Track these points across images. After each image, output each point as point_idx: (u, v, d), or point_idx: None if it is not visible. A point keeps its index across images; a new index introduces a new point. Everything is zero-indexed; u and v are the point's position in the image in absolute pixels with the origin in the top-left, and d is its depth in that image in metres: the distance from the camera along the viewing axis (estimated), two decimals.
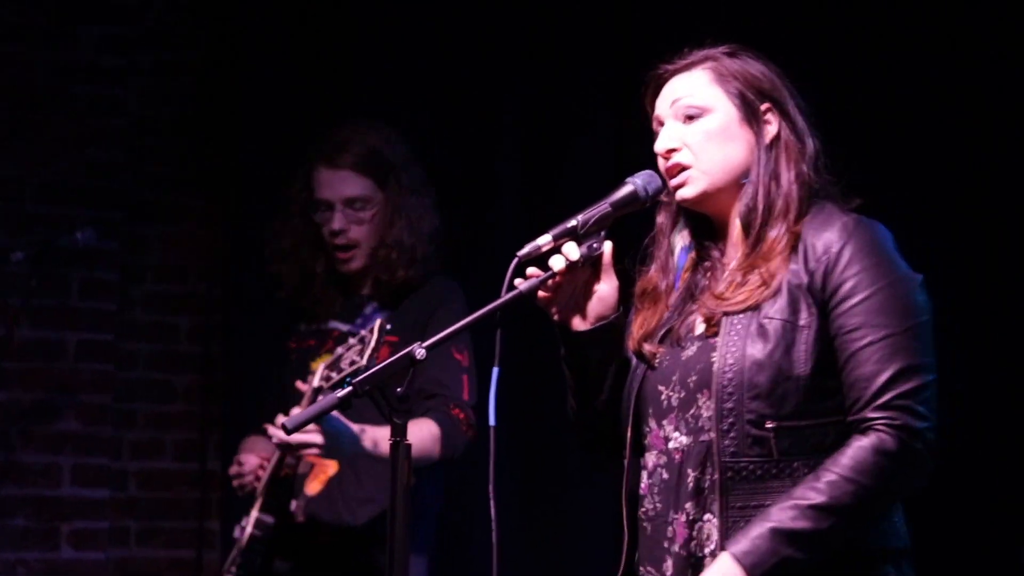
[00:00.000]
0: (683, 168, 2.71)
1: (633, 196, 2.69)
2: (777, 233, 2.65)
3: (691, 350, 2.67)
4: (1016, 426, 4.34)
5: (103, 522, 5.17)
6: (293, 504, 4.00)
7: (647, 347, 2.72)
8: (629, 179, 2.70)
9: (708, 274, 2.74)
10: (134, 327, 5.28)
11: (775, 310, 2.61)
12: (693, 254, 2.78)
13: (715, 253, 2.76)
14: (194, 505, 5.26)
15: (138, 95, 5.30)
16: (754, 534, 2.52)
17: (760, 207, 2.67)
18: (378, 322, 3.72)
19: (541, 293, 2.68)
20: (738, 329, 2.61)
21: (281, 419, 3.76)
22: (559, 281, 2.68)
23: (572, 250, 2.65)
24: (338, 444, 3.77)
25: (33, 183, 5.15)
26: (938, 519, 4.16)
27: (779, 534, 2.50)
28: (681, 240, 2.80)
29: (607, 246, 2.68)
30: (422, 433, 3.82)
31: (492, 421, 2.54)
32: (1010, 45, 4.35)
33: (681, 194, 2.72)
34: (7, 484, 5.08)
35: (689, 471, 2.63)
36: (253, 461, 4.06)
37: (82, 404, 5.16)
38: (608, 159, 4.85)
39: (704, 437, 2.62)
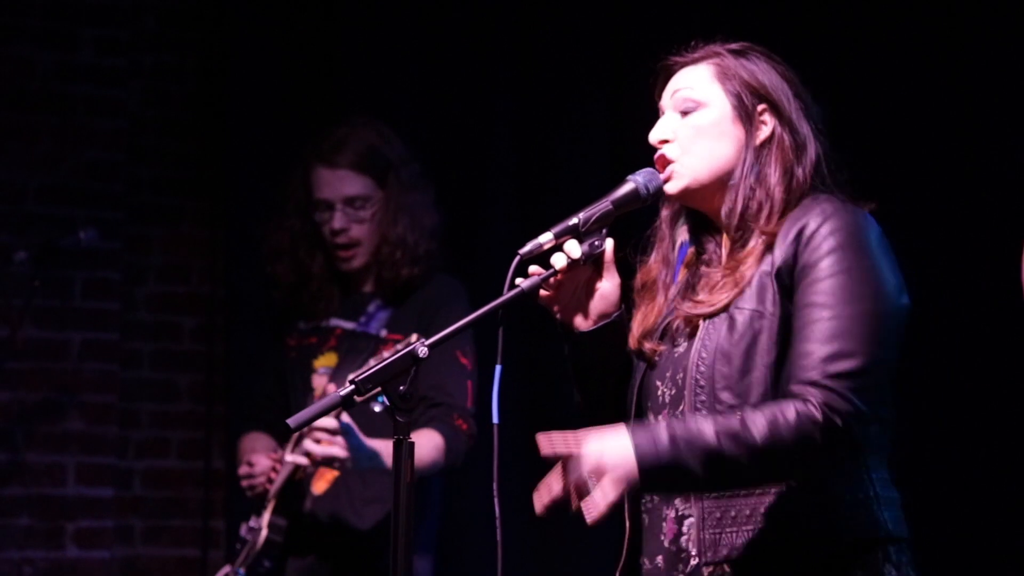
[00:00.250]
0: (668, 162, 2.72)
1: (634, 194, 2.69)
2: (755, 240, 2.66)
3: (682, 347, 2.68)
4: (1017, 421, 4.35)
5: (108, 521, 5.17)
6: (304, 505, 4.00)
7: (647, 345, 2.73)
8: (630, 177, 2.70)
9: (702, 270, 2.75)
10: (138, 327, 5.29)
11: (743, 301, 2.62)
12: (692, 249, 2.78)
13: (710, 249, 2.77)
14: (199, 504, 5.26)
15: (138, 96, 5.30)
16: (663, 432, 2.50)
17: (739, 208, 2.67)
18: (414, 336, 3.73)
19: (543, 291, 2.68)
20: (716, 325, 2.63)
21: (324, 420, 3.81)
22: (561, 279, 2.68)
23: (574, 248, 2.65)
24: (356, 458, 3.80)
25: (34, 184, 5.15)
26: (939, 511, 4.17)
27: (688, 442, 2.48)
28: (682, 234, 2.81)
29: (609, 244, 2.69)
30: (426, 444, 3.82)
31: (495, 419, 2.54)
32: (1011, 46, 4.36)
33: (667, 189, 2.73)
34: (12, 484, 5.09)
35: None
36: (264, 463, 4.04)
37: (86, 404, 5.17)
38: (602, 154, 4.86)
39: None
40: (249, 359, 4.80)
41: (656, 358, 2.72)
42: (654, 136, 2.74)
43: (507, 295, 2.58)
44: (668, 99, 2.76)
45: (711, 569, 2.61)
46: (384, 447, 3.80)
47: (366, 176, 4.08)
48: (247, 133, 5.15)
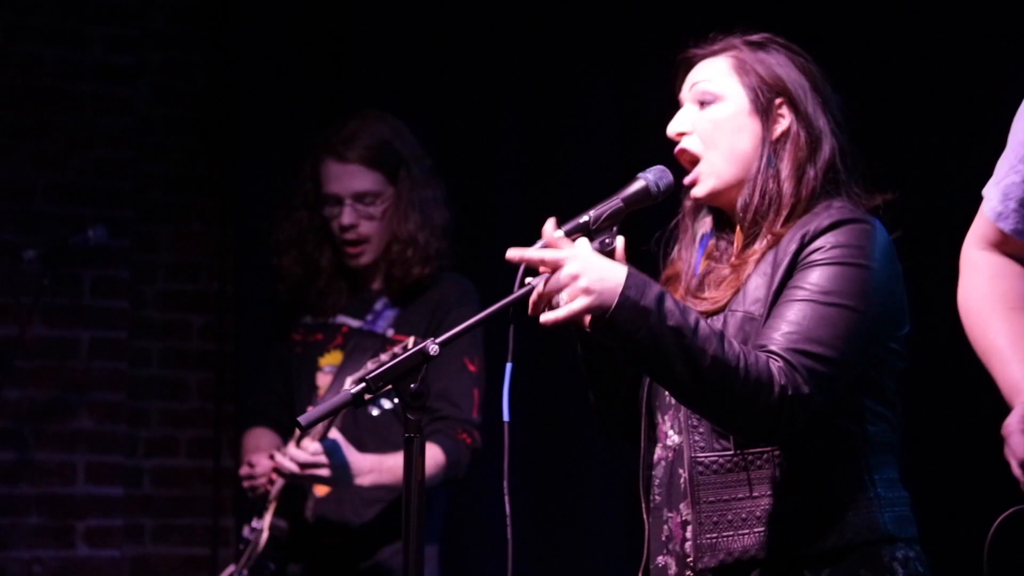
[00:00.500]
0: (692, 157, 2.71)
1: (645, 192, 2.68)
2: (762, 241, 2.65)
3: None
4: None
5: (118, 520, 5.17)
6: (307, 506, 3.98)
7: None
8: (640, 175, 2.69)
9: (712, 265, 2.75)
10: (147, 325, 5.28)
11: (737, 303, 2.63)
12: (713, 241, 2.78)
13: (723, 245, 2.77)
14: (209, 502, 5.26)
15: (147, 94, 5.30)
16: (657, 289, 2.49)
17: (753, 203, 2.67)
18: (411, 339, 3.74)
19: None
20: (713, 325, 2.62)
21: (292, 449, 3.80)
22: None
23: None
24: (338, 478, 3.80)
25: (43, 182, 5.15)
26: (951, 509, 4.15)
27: (671, 310, 2.46)
28: (704, 226, 2.80)
29: (619, 241, 2.68)
30: (427, 459, 3.78)
31: (506, 417, 2.54)
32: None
33: (694, 193, 2.74)
34: (21, 483, 5.09)
35: (680, 471, 2.65)
36: (265, 463, 4.00)
37: (95, 402, 5.16)
38: (612, 152, 4.85)
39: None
40: (256, 355, 4.80)
41: None
42: (672, 129, 2.74)
43: (517, 293, 2.57)
44: (687, 92, 2.76)
45: (711, 574, 2.61)
46: (375, 463, 3.82)
47: (377, 171, 4.04)
48: (255, 131, 5.15)
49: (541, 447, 4.89)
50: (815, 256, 2.58)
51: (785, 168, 2.68)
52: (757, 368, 2.47)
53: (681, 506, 2.65)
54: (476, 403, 3.96)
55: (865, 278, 2.57)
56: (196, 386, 5.32)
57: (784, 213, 2.66)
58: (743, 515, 2.60)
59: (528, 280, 2.59)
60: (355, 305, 4.11)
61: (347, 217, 4.03)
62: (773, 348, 2.51)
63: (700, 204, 2.79)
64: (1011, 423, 2.58)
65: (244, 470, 4.06)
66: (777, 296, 2.59)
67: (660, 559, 2.71)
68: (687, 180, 2.72)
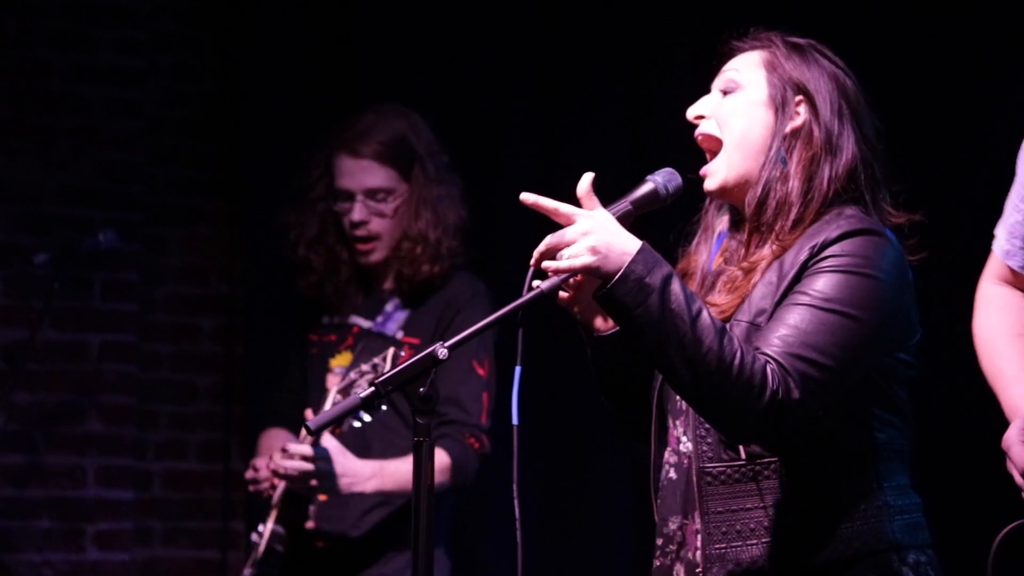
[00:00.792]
0: (708, 141, 2.72)
1: (654, 194, 2.67)
2: (768, 248, 2.64)
3: None
4: None
5: (128, 523, 5.18)
6: (310, 510, 3.93)
7: None
8: (649, 177, 2.69)
9: (723, 266, 2.74)
10: (156, 328, 5.29)
11: (742, 312, 2.62)
12: (727, 240, 2.77)
13: (734, 246, 2.76)
14: (218, 506, 5.26)
15: (156, 97, 5.31)
16: (666, 269, 2.49)
17: (758, 196, 2.66)
18: (390, 351, 3.70)
19: (562, 293, 2.67)
20: None
21: (287, 447, 3.77)
22: (581, 280, 2.67)
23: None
24: (326, 486, 3.76)
25: (52, 185, 5.16)
26: (964, 515, 4.14)
27: (676, 294, 2.46)
28: (722, 223, 2.80)
29: None
30: (434, 465, 3.75)
31: (515, 420, 2.53)
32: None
33: (705, 187, 2.73)
34: (32, 485, 5.10)
35: (694, 478, 2.65)
36: (269, 466, 3.93)
37: (105, 405, 5.17)
38: (621, 154, 4.85)
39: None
40: (270, 357, 4.79)
41: None
42: (691, 111, 2.76)
43: (526, 297, 2.56)
44: (717, 80, 2.77)
45: None
46: (376, 469, 3.78)
47: (390, 168, 3.98)
48: (264, 134, 5.15)
49: (550, 451, 4.88)
50: (822, 264, 2.57)
51: (794, 165, 2.67)
52: (752, 368, 2.46)
53: (695, 514, 2.65)
54: (485, 407, 3.91)
55: (870, 287, 2.55)
56: (206, 389, 5.32)
57: (792, 216, 2.64)
58: (751, 525, 2.59)
59: (536, 283, 2.59)
60: (368, 306, 4.06)
61: (358, 213, 3.97)
62: (769, 351, 2.50)
63: (713, 198, 2.78)
64: (1010, 436, 2.76)
65: (249, 473, 4.02)
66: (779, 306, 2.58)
67: (659, 561, 2.70)
68: (702, 171, 2.73)
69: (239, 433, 5.22)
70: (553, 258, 2.52)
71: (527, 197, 2.57)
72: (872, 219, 2.63)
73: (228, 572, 5.22)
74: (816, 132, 2.68)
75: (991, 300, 3.01)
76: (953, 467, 4.21)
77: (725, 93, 2.74)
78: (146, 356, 5.26)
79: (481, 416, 3.90)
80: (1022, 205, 2.93)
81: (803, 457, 2.57)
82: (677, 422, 2.70)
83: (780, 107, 2.70)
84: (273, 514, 3.92)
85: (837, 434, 2.58)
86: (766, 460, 2.58)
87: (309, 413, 3.84)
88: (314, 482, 3.75)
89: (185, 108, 5.34)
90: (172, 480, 5.28)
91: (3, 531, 5.06)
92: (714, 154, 2.74)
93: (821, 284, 2.55)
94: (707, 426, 2.61)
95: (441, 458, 3.78)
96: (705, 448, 2.62)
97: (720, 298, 2.65)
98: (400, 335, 3.97)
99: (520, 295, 2.55)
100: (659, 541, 2.71)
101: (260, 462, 3.98)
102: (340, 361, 4.01)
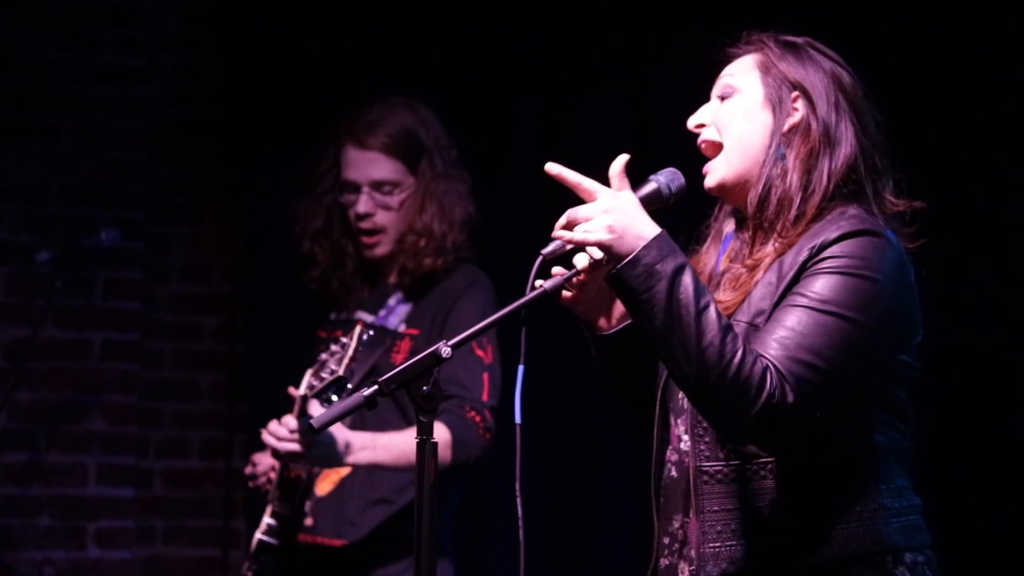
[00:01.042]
0: (710, 147, 2.73)
1: (657, 194, 2.68)
2: (771, 245, 2.65)
3: None
4: None
5: (129, 521, 5.18)
6: (307, 506, 3.91)
7: None
8: (652, 177, 2.69)
9: (728, 264, 2.74)
10: (159, 327, 5.30)
11: (742, 312, 2.62)
12: (733, 242, 2.78)
13: (738, 246, 2.76)
14: (220, 504, 5.27)
15: (159, 96, 5.31)
16: (680, 259, 2.50)
17: (759, 194, 2.67)
18: (357, 328, 3.64)
19: (565, 292, 2.68)
20: None
21: (273, 424, 3.74)
22: (583, 279, 2.68)
23: (596, 249, 2.64)
24: (311, 456, 3.68)
25: (56, 184, 5.16)
26: (965, 516, 4.15)
27: (687, 286, 2.47)
28: (729, 225, 2.80)
29: None
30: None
31: (518, 419, 2.53)
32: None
33: (705, 184, 2.74)
34: (33, 484, 5.10)
35: (691, 478, 2.65)
36: (267, 461, 3.91)
37: (107, 404, 5.17)
38: (625, 150, 4.85)
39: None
40: (276, 360, 4.78)
41: None
42: (691, 121, 2.77)
43: (529, 296, 2.57)
44: (715, 87, 2.78)
45: None
46: (368, 440, 3.70)
47: (397, 160, 3.95)
48: (267, 133, 5.15)
49: (553, 449, 4.88)
50: (821, 265, 2.57)
51: (793, 160, 2.67)
52: (751, 369, 2.47)
53: (692, 513, 2.65)
54: (486, 385, 3.83)
55: (868, 289, 2.56)
56: (208, 387, 5.32)
57: (794, 211, 2.64)
58: (747, 525, 2.59)
59: (539, 283, 2.60)
60: (372, 300, 4.03)
61: (363, 205, 3.95)
62: (767, 354, 2.50)
63: (713, 196, 2.79)
64: None
65: (248, 469, 3.99)
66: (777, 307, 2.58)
67: (666, 560, 2.71)
68: (704, 170, 2.73)
69: (241, 431, 5.23)
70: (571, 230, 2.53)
71: (552, 167, 2.59)
72: (873, 220, 2.63)
73: (229, 570, 5.23)
74: (814, 126, 2.69)
75: None
76: (953, 468, 4.22)
77: (723, 99, 2.76)
78: (148, 354, 5.26)
79: (482, 393, 3.81)
80: None
81: (800, 458, 2.57)
82: (679, 420, 2.70)
83: (777, 105, 2.71)
84: (269, 507, 3.89)
85: (834, 436, 2.58)
86: (762, 460, 2.59)
87: (292, 390, 3.77)
88: (295, 448, 3.65)
89: (188, 107, 5.34)
90: (174, 478, 5.28)
91: (5, 529, 5.07)
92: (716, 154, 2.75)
93: (819, 286, 2.55)
94: (705, 425, 2.62)
95: (441, 432, 3.66)
96: (703, 447, 2.63)
97: (724, 295, 2.65)
98: (402, 328, 3.93)
99: (523, 294, 2.55)
100: (665, 540, 2.71)
101: (260, 457, 3.94)
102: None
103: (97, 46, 5.22)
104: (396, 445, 3.73)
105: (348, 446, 3.68)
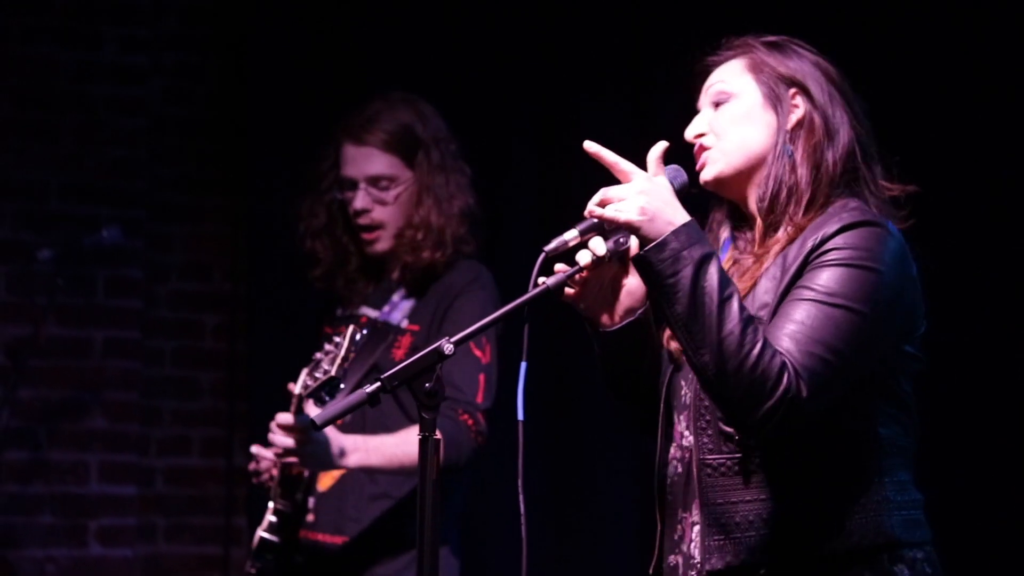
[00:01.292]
0: (705, 150, 2.72)
1: None
2: (783, 231, 2.66)
3: None
4: None
5: (130, 519, 5.19)
6: (309, 502, 3.90)
7: (674, 344, 2.72)
8: None
9: (736, 255, 2.75)
10: (160, 325, 5.30)
11: (747, 302, 2.62)
12: (732, 245, 2.78)
13: (742, 245, 2.77)
14: (221, 501, 5.27)
15: (160, 95, 5.32)
16: (707, 248, 2.52)
17: (770, 191, 2.68)
18: (350, 328, 3.63)
19: (568, 289, 2.68)
20: None
21: (280, 417, 3.74)
22: (586, 276, 2.68)
23: (599, 245, 2.64)
24: (304, 455, 3.67)
25: (57, 183, 5.17)
26: (966, 513, 4.16)
27: (711, 273, 2.49)
28: (725, 231, 2.81)
29: (634, 240, 2.68)
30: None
31: (520, 416, 2.54)
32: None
33: (702, 177, 2.74)
34: (35, 482, 5.11)
35: (694, 471, 2.65)
36: (268, 456, 3.85)
37: (109, 401, 5.18)
38: (626, 150, 4.84)
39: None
40: (277, 357, 4.78)
41: (682, 358, 2.72)
42: (689, 132, 2.76)
43: (532, 292, 2.57)
44: (704, 97, 2.78)
45: (716, 575, 2.61)
46: (359, 443, 3.70)
47: (393, 155, 3.94)
48: (267, 131, 5.15)
49: (556, 446, 4.89)
50: (824, 258, 2.58)
51: (800, 155, 2.68)
52: (769, 363, 2.47)
53: (693, 507, 2.66)
54: (481, 387, 3.81)
55: (872, 281, 2.56)
56: (209, 385, 5.33)
57: (804, 201, 2.66)
58: (750, 517, 2.59)
59: (541, 280, 2.60)
60: (376, 295, 4.02)
61: (360, 201, 3.94)
62: (780, 348, 2.51)
63: (726, 208, 2.79)
64: None
65: (251, 465, 3.96)
66: (783, 301, 2.59)
67: (672, 558, 2.71)
68: (697, 166, 2.73)
69: (242, 429, 5.23)
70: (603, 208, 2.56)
71: (590, 146, 2.63)
72: (873, 211, 2.65)
73: (231, 568, 5.23)
74: (816, 120, 2.70)
75: None
76: (953, 465, 4.22)
77: (717, 106, 2.75)
78: (149, 352, 5.27)
79: (477, 395, 3.80)
80: None
81: (804, 450, 2.58)
82: (681, 417, 2.70)
83: (778, 104, 2.72)
84: (272, 505, 3.88)
85: (839, 428, 2.58)
86: (767, 452, 2.59)
87: (292, 386, 3.77)
88: (290, 443, 3.64)
89: (189, 106, 5.35)
90: (175, 476, 5.29)
91: (7, 527, 5.07)
92: None
93: (824, 278, 2.56)
94: (708, 418, 2.62)
95: None
96: (706, 440, 2.63)
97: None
98: (405, 323, 3.93)
99: (525, 291, 2.56)
100: (675, 537, 2.71)
101: (259, 449, 3.88)
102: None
103: (98, 45, 5.22)
104: (387, 448, 3.72)
105: (340, 449, 3.68)
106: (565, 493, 4.89)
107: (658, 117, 4.75)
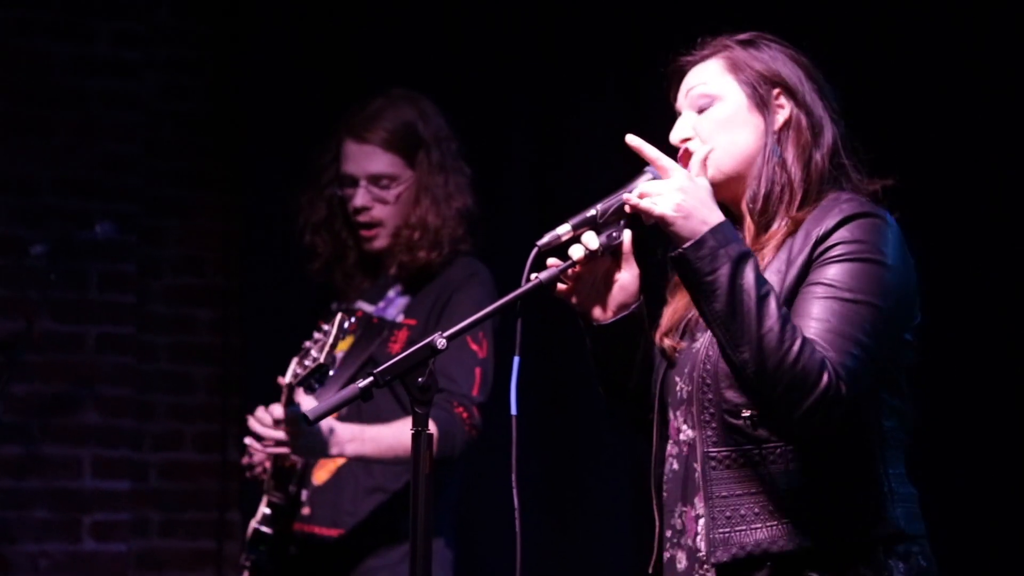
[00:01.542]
0: (691, 154, 2.72)
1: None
2: (778, 225, 2.66)
3: (698, 343, 2.68)
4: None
5: (124, 514, 5.18)
6: (304, 495, 3.90)
7: (667, 342, 2.73)
8: (648, 168, 2.69)
9: None
10: (153, 319, 5.30)
11: None
12: None
13: None
14: (215, 496, 5.27)
15: (154, 89, 5.31)
16: (744, 247, 2.52)
17: (762, 192, 2.68)
18: (338, 316, 3.64)
19: (561, 284, 2.68)
20: None
21: (260, 411, 3.74)
22: (579, 271, 2.68)
23: (592, 239, 2.65)
24: (297, 446, 3.68)
25: (50, 177, 5.16)
26: (957, 508, 4.16)
27: (748, 272, 2.49)
28: None
29: (627, 235, 2.69)
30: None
31: (514, 410, 2.54)
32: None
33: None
34: (29, 476, 5.10)
35: (695, 465, 2.65)
36: (261, 449, 3.84)
37: (102, 396, 5.18)
38: (620, 145, 4.84)
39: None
40: (271, 352, 4.77)
41: (676, 355, 2.72)
42: (675, 136, 2.75)
43: (525, 287, 2.57)
44: (683, 99, 2.77)
45: (722, 568, 2.61)
46: (356, 432, 3.70)
47: (394, 154, 3.95)
48: (262, 126, 5.15)
49: (550, 441, 4.89)
50: (831, 253, 2.58)
51: (790, 155, 2.69)
52: (811, 358, 2.47)
53: (695, 500, 2.65)
54: (477, 381, 3.82)
55: (882, 274, 2.57)
56: (203, 380, 5.33)
57: (798, 197, 2.67)
58: (756, 510, 2.59)
59: (534, 275, 2.60)
60: (372, 291, 4.04)
61: (360, 199, 3.96)
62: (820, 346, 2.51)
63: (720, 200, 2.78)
64: None
65: (244, 459, 3.97)
66: (791, 295, 2.58)
67: (668, 553, 2.71)
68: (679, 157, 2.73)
69: (236, 424, 5.21)
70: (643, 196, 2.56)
71: (632, 140, 2.63)
72: (868, 202, 2.65)
73: (224, 563, 5.23)
74: (803, 119, 2.71)
75: None
76: (949, 462, 4.23)
77: (701, 110, 2.75)
78: (143, 347, 5.27)
79: (472, 388, 3.81)
80: None
81: (810, 442, 2.57)
82: (677, 412, 2.70)
83: (764, 106, 2.71)
84: (266, 498, 3.88)
85: (849, 420, 2.58)
86: (772, 445, 2.58)
87: (281, 379, 3.77)
88: (281, 436, 3.65)
89: (183, 100, 5.34)
90: (169, 471, 5.29)
91: (0, 522, 5.07)
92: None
93: (836, 274, 2.56)
94: (712, 411, 2.61)
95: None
96: (709, 433, 2.62)
97: None
98: (400, 319, 3.93)
99: (519, 286, 2.56)
100: (668, 533, 2.71)
101: (252, 442, 3.86)
102: (344, 346, 3.95)
103: (92, 39, 5.22)
104: (383, 438, 3.73)
105: (335, 437, 3.68)
106: (560, 487, 4.89)
107: (657, 117, 4.75)
